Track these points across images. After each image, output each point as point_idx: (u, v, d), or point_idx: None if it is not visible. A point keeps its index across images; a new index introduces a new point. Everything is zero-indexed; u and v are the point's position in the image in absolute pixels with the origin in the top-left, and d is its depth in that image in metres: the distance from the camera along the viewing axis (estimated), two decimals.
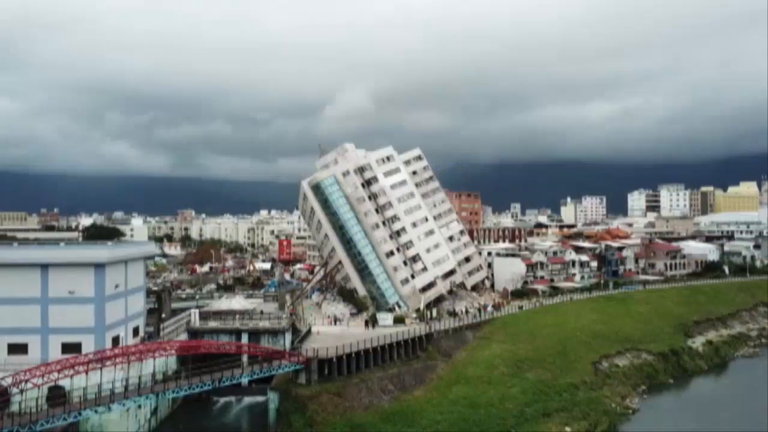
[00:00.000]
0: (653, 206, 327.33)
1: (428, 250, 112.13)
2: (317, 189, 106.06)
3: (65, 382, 50.34)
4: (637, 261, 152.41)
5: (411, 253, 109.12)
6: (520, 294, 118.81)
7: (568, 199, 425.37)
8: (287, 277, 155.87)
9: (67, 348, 56.97)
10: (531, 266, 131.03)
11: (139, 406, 58.87)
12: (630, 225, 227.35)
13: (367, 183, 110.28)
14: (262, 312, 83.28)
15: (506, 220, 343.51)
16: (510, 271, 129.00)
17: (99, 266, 58.63)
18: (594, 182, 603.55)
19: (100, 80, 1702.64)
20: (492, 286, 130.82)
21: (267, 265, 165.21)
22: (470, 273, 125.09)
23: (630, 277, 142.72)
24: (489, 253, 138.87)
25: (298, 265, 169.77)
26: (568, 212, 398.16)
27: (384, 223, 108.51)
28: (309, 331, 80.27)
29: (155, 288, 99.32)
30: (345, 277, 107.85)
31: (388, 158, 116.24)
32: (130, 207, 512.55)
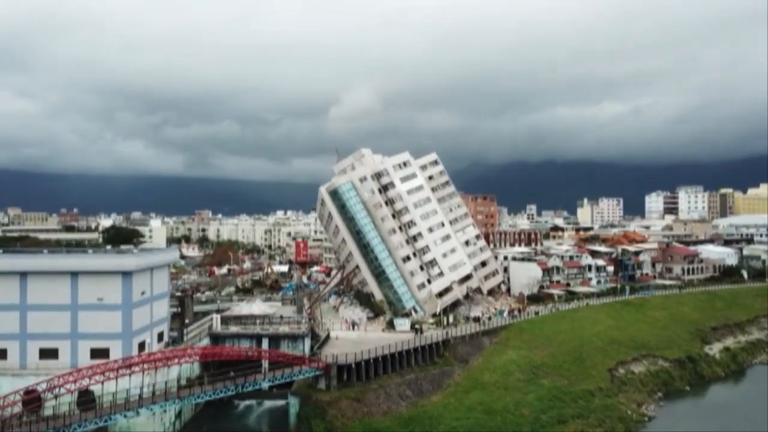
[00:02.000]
0: (671, 208, 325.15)
1: (444, 255, 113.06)
2: (335, 194, 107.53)
3: (95, 387, 52.23)
4: (654, 265, 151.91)
5: (427, 257, 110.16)
6: (536, 299, 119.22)
7: (585, 201, 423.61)
8: (304, 279, 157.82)
9: (95, 353, 58.89)
10: (547, 270, 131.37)
11: (165, 410, 60.61)
12: (647, 228, 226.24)
13: (384, 188, 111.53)
14: (281, 317, 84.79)
15: (522, 222, 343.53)
16: (526, 276, 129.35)
17: (126, 274, 60.53)
18: (608, 183, 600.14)
19: (112, 81, 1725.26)
20: (508, 290, 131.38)
21: (284, 268, 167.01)
22: (486, 277, 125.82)
23: (646, 281, 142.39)
24: (505, 257, 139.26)
25: (315, 268, 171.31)
26: (584, 214, 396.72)
27: (401, 228, 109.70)
28: (328, 336, 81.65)
29: (177, 292, 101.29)
30: (362, 282, 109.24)
31: (404, 164, 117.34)
32: (147, 206, 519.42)
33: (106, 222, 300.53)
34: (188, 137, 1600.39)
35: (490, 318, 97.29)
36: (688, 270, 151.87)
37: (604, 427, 66.58)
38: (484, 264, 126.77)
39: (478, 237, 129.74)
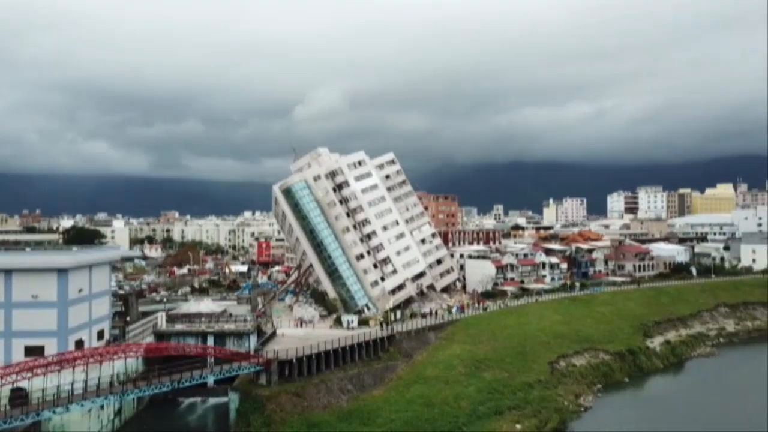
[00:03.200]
0: (631, 208, 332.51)
1: (398, 253, 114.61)
2: (288, 193, 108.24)
3: (26, 384, 52.18)
4: (606, 263, 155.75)
5: (381, 255, 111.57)
6: (489, 295, 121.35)
7: (551, 201, 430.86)
8: (265, 279, 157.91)
9: (30, 351, 58.68)
10: (501, 268, 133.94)
11: (102, 407, 60.68)
12: (607, 227, 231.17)
13: (338, 187, 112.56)
14: (230, 314, 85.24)
15: (488, 222, 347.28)
16: (480, 273, 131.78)
17: (62, 271, 60.46)
18: (573, 183, 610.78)
19: (77, 80, 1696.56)
20: (464, 287, 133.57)
21: (244, 268, 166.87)
22: (441, 275, 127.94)
23: (600, 278, 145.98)
24: (461, 255, 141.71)
25: (276, 268, 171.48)
26: (550, 213, 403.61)
27: (355, 226, 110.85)
28: (274, 334, 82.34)
29: (124, 292, 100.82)
30: (316, 280, 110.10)
31: (359, 163, 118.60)
32: (113, 207, 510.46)
33: (67, 223, 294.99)
34: (154, 137, 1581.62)
35: (436, 313, 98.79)
36: (640, 267, 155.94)
37: (539, 418, 68.51)
38: (439, 262, 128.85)
39: (434, 235, 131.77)
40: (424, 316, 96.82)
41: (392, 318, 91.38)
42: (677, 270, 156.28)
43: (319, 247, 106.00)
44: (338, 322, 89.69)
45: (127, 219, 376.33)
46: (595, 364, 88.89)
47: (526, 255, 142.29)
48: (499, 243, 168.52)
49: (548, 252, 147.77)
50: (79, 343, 62.57)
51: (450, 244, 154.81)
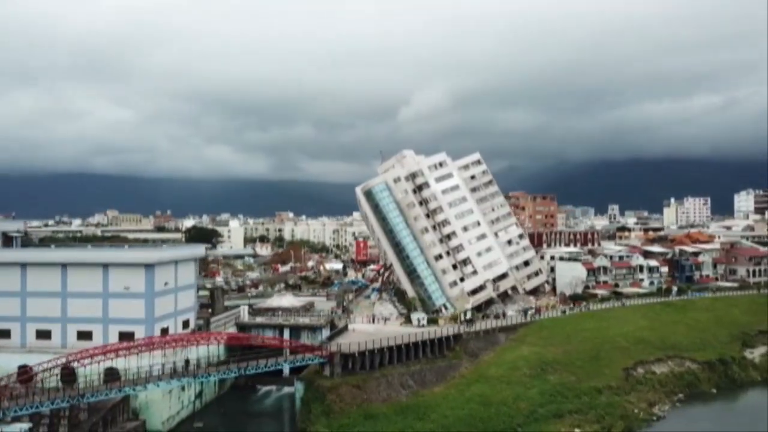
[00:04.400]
0: (763, 207, 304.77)
1: (479, 254, 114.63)
2: (369, 195, 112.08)
3: (119, 364, 59.71)
4: (715, 266, 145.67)
5: (461, 256, 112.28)
6: (578, 298, 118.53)
7: (672, 200, 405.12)
8: (358, 277, 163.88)
9: (122, 336, 66.78)
10: (593, 271, 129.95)
11: (183, 388, 67.57)
12: (729, 228, 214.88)
13: (419, 188, 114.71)
14: (310, 309, 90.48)
15: (601, 222, 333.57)
16: (570, 275, 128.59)
17: (149, 266, 68.05)
18: (697, 180, 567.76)
19: (199, 88, 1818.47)
20: (554, 290, 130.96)
21: (339, 266, 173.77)
22: (529, 277, 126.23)
23: (706, 283, 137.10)
24: (552, 257, 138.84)
25: (371, 266, 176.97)
26: (670, 214, 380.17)
27: (434, 227, 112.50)
28: (345, 328, 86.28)
29: (211, 286, 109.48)
30: (397, 279, 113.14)
31: (440, 164, 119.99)
32: (236, 209, 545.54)
33: (189, 223, 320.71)
34: (270, 141, 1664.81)
35: (504, 315, 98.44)
36: (755, 272, 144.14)
37: (602, 423, 66.96)
38: (527, 263, 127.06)
39: (521, 236, 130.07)
40: (497, 317, 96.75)
41: (462, 318, 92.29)
42: None
43: (397, 247, 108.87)
44: (408, 320, 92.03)
45: (245, 219, 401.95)
46: (678, 372, 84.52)
47: (621, 257, 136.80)
48: (598, 245, 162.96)
49: (647, 254, 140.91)
50: (165, 331, 69.99)
51: (545, 246, 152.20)
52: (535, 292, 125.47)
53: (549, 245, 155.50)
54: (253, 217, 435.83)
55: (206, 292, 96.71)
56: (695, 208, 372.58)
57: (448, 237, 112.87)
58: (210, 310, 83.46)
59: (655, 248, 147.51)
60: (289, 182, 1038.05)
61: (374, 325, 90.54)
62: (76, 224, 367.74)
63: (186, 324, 76.21)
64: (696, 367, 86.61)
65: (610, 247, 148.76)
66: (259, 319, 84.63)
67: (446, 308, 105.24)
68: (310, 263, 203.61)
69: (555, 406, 68.95)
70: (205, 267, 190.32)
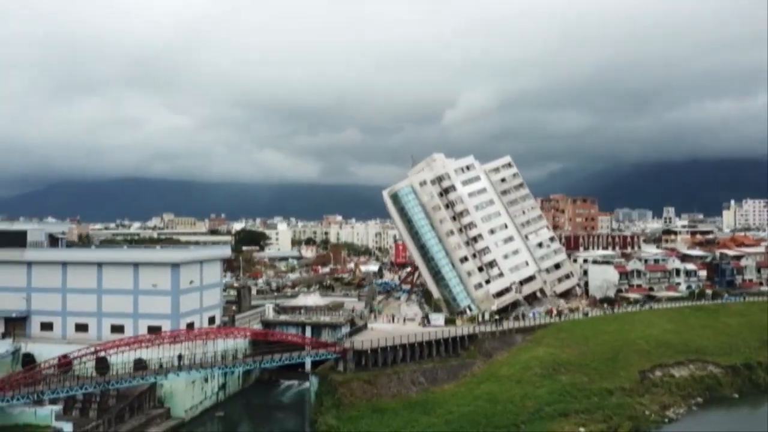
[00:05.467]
0: None
1: (506, 257, 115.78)
2: (395, 198, 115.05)
3: (146, 355, 64.80)
4: (759, 271, 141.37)
5: (487, 258, 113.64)
6: (609, 301, 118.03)
7: (732, 203, 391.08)
8: (395, 279, 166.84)
9: (151, 330, 71.94)
10: (625, 274, 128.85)
11: (206, 380, 72.26)
12: None
13: (445, 191, 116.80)
14: (331, 308, 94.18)
15: (654, 225, 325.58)
16: (601, 279, 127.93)
17: (175, 266, 73.19)
18: (760, 183, 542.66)
19: (250, 95, 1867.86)
20: (587, 293, 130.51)
21: (375, 268, 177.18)
22: (560, 280, 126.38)
23: (749, 288, 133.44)
24: (585, 260, 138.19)
25: (408, 269, 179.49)
26: (729, 216, 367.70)
27: (460, 230, 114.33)
28: (365, 327, 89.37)
29: (238, 285, 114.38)
30: (423, 281, 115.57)
31: (468, 167, 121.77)
32: (288, 212, 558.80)
33: (238, 226, 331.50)
34: (319, 146, 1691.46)
35: (523, 316, 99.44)
36: None
37: (609, 423, 67.44)
38: (558, 266, 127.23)
39: (552, 239, 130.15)
40: (516, 318, 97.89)
41: (479, 319, 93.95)
42: None
43: (423, 248, 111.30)
44: (426, 320, 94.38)
45: (294, 222, 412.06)
46: (699, 376, 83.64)
47: (657, 261, 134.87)
48: (638, 248, 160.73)
49: (685, 258, 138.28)
50: (190, 326, 74.89)
51: (581, 249, 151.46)
52: (566, 295, 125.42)
53: (586, 248, 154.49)
54: (304, 220, 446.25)
55: (234, 291, 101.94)
56: (755, 210, 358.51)
57: (475, 239, 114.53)
58: (233, 308, 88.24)
59: (695, 252, 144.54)
60: (338, 186, 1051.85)
61: (393, 325, 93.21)
62: (135, 227, 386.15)
63: (212, 320, 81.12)
64: (719, 371, 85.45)
65: (648, 251, 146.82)
66: (282, 317, 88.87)
67: (470, 309, 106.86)
68: (350, 265, 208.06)
69: (562, 405, 69.87)
70: (249, 268, 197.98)
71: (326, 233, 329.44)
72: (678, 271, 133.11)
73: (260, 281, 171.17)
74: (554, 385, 74.38)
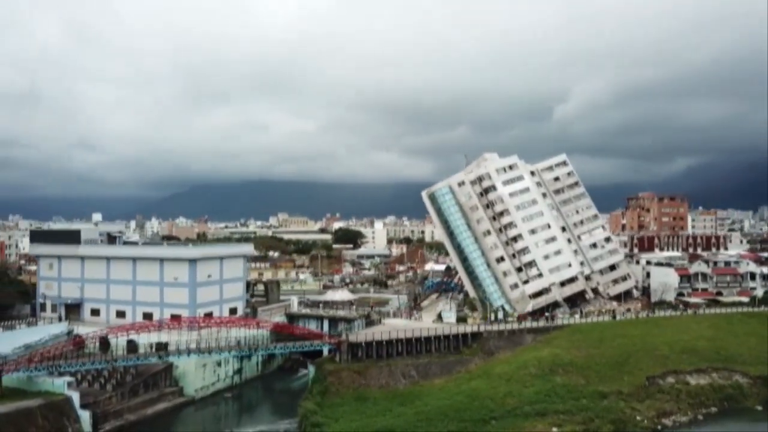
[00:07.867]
0: None
1: (546, 257, 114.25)
2: (432, 198, 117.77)
3: (167, 339, 74.09)
4: None
5: (526, 259, 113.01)
6: (664, 305, 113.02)
7: None
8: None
9: (173, 318, 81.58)
10: (687, 277, 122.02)
11: (219, 364, 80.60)
12: None
13: (485, 191, 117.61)
14: (343, 303, 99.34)
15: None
16: (658, 282, 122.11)
17: (192, 261, 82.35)
18: None
19: (368, 97, 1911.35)
20: (648, 296, 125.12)
21: (442, 267, 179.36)
22: (615, 281, 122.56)
23: None
24: (648, 262, 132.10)
25: None
26: None
27: (499, 230, 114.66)
28: (378, 321, 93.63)
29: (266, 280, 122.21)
30: (460, 280, 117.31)
31: (510, 167, 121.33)
32: (401, 210, 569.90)
33: (339, 224, 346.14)
34: (432, 145, 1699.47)
35: (554, 318, 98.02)
36: None
37: (587, 426, 66.50)
38: (612, 267, 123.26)
39: (607, 240, 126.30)
40: (547, 319, 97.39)
41: (492, 318, 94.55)
42: None
43: (458, 248, 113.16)
44: (440, 317, 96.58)
45: (401, 221, 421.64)
46: (719, 385, 78.79)
47: (728, 263, 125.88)
48: (725, 248, 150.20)
49: (762, 261, 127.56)
50: (208, 315, 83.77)
51: (656, 250, 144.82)
52: (623, 297, 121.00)
53: (662, 249, 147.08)
54: (418, 218, 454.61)
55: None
56: None
57: (514, 239, 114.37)
58: (266, 300, 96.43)
59: None
60: None
61: (403, 321, 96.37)
62: (254, 226, 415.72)
63: (233, 311, 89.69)
64: (745, 381, 79.91)
65: (723, 253, 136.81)
66: (304, 310, 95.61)
67: (505, 309, 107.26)
68: (429, 264, 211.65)
69: (544, 405, 69.79)
70: (334, 264, 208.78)
71: (422, 232, 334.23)
72: (753, 275, 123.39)
73: (337, 277, 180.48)
74: (545, 385, 74.23)
